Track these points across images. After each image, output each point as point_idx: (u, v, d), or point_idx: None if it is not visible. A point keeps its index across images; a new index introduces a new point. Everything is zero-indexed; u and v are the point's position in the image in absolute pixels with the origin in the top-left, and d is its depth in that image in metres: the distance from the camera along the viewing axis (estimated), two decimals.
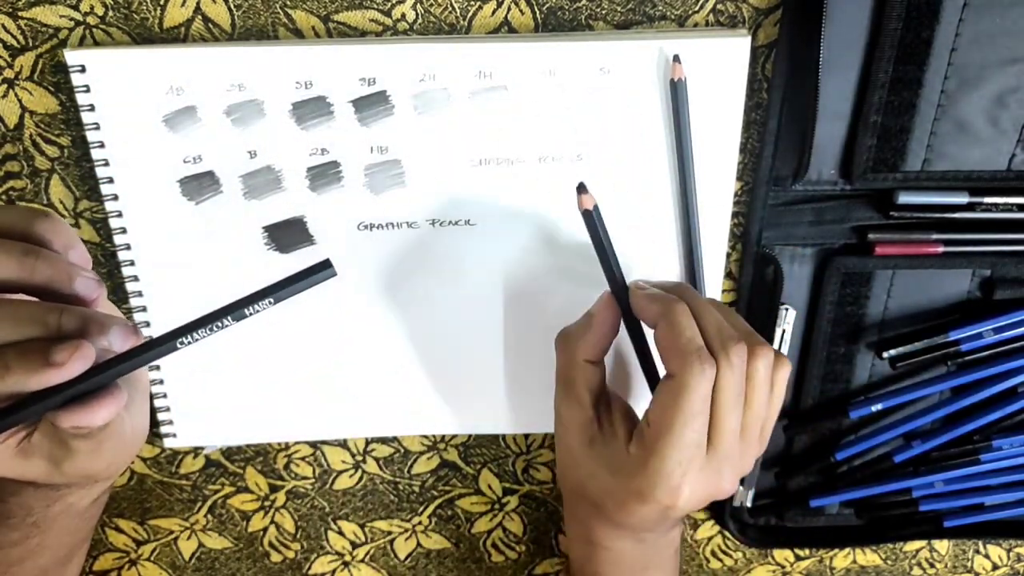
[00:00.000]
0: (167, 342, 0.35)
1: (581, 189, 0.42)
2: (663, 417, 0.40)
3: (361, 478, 0.57)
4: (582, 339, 0.45)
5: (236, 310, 0.35)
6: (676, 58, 0.44)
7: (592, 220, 0.42)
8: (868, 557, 0.61)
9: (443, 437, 0.56)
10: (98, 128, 0.44)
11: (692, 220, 0.47)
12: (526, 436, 0.56)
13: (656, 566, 0.48)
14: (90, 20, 0.43)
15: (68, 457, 0.38)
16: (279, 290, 0.35)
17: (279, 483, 0.57)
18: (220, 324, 0.35)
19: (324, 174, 0.46)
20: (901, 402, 0.53)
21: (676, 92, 0.45)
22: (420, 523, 0.59)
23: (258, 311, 0.35)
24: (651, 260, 0.49)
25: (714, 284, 0.50)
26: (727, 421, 0.41)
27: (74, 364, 0.33)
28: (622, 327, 0.45)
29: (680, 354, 0.40)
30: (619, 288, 0.44)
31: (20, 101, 0.45)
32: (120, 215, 0.46)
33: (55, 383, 0.33)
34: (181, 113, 0.44)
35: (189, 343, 0.35)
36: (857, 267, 0.50)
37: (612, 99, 0.45)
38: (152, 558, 0.59)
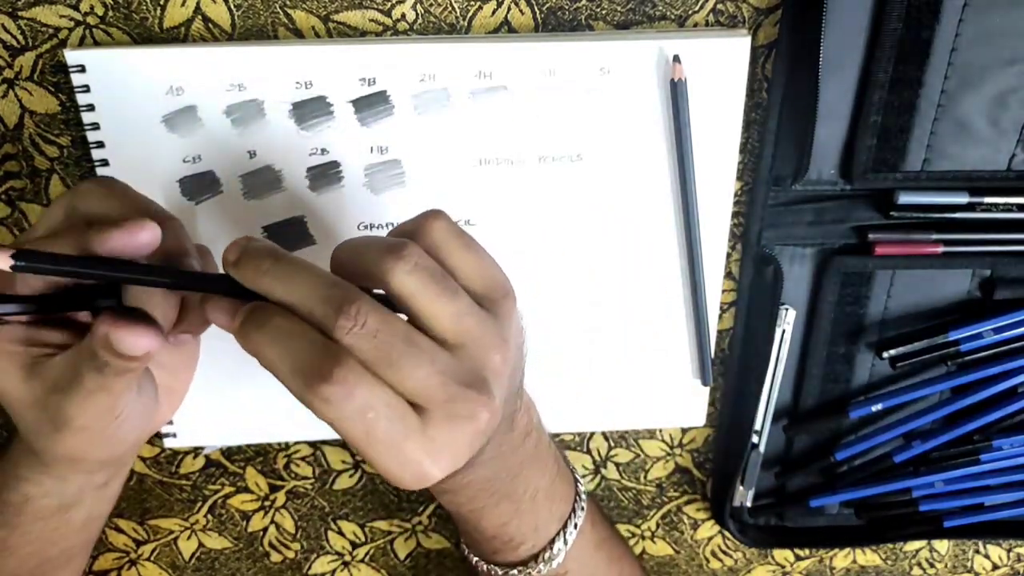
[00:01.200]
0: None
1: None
2: (350, 443, 0.34)
3: (361, 478, 0.57)
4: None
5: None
6: (676, 58, 0.44)
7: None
8: (868, 557, 0.61)
9: None
10: (98, 128, 0.44)
11: (692, 220, 0.47)
12: None
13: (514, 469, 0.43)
14: (90, 20, 0.43)
15: (64, 406, 0.35)
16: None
17: (279, 483, 0.57)
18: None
19: (324, 174, 0.46)
20: (901, 402, 0.53)
21: (676, 92, 0.44)
22: (420, 523, 0.59)
23: None
24: (651, 260, 0.49)
25: (714, 284, 0.50)
26: (408, 383, 0.33)
27: (142, 233, 0.33)
28: None
29: (295, 396, 0.33)
30: None
31: (20, 101, 0.45)
32: None
33: (118, 246, 0.33)
34: (181, 113, 0.44)
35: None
36: (857, 267, 0.49)
37: (612, 99, 0.45)
38: (152, 558, 0.59)
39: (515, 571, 0.46)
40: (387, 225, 0.48)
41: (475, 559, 0.49)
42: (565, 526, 0.46)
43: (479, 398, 0.34)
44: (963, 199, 0.48)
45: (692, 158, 0.46)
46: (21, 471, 0.41)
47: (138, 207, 0.36)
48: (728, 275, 0.51)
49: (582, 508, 0.47)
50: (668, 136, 0.46)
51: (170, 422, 0.52)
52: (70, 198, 0.37)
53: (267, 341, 0.33)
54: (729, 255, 0.50)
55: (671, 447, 0.57)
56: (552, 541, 0.46)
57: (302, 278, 0.33)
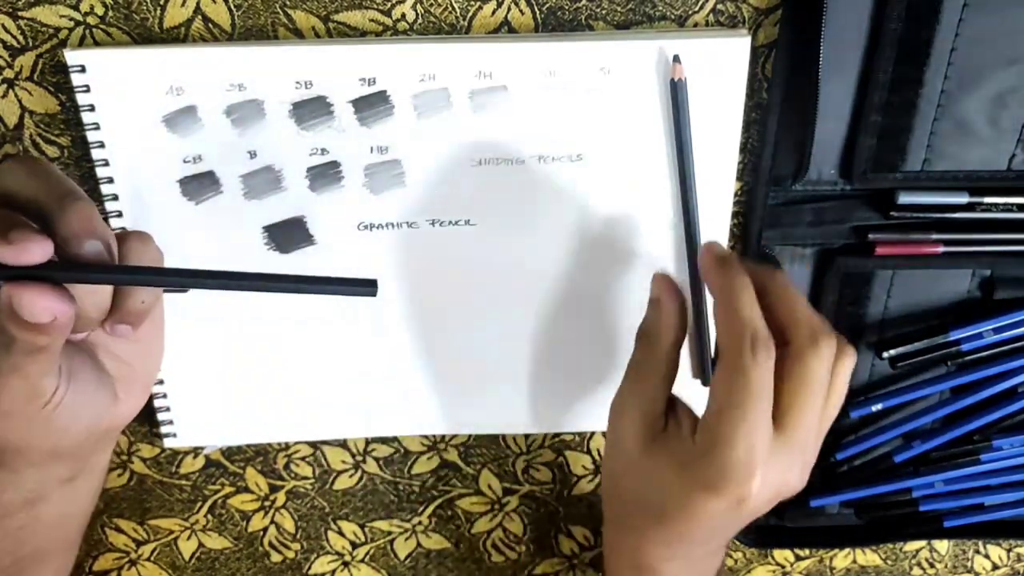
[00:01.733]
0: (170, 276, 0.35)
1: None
2: (728, 399, 0.38)
3: (361, 478, 0.57)
4: (653, 327, 0.43)
5: (251, 282, 0.35)
6: (676, 58, 0.44)
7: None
8: (868, 557, 0.61)
9: (443, 437, 0.55)
10: (98, 128, 0.44)
11: (692, 220, 0.47)
12: (526, 436, 0.56)
13: None
14: (90, 20, 0.43)
15: None
16: (316, 285, 0.35)
17: (279, 483, 0.56)
18: (232, 285, 0.35)
19: (324, 174, 0.46)
20: (901, 402, 0.53)
21: (676, 92, 0.44)
22: (420, 523, 0.59)
23: (283, 292, 0.35)
24: (651, 260, 0.49)
25: None
26: (806, 411, 0.39)
27: (22, 249, 0.32)
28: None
29: (733, 336, 0.38)
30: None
31: (20, 101, 0.45)
32: (120, 215, 0.46)
33: (8, 260, 0.32)
34: (181, 113, 0.44)
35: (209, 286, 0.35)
36: (857, 267, 0.49)
37: (612, 99, 0.45)
38: (152, 558, 0.59)
39: None
40: (387, 225, 0.48)
41: None
42: None
43: (804, 474, 0.41)
44: (963, 199, 0.48)
45: (692, 158, 0.46)
46: None
47: (54, 190, 0.35)
48: None
49: None
50: (668, 136, 0.46)
51: (170, 421, 0.52)
52: None
53: (743, 289, 0.40)
54: None
55: None
56: None
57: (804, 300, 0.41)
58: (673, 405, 0.43)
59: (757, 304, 0.39)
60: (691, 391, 0.52)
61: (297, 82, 0.44)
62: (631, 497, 0.44)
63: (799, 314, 0.40)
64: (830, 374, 0.39)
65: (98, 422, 0.41)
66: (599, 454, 0.57)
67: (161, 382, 0.51)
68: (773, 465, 0.39)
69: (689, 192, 0.47)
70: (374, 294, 0.34)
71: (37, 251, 0.32)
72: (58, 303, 0.33)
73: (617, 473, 0.45)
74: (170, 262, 0.46)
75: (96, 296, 0.37)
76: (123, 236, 0.39)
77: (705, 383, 0.52)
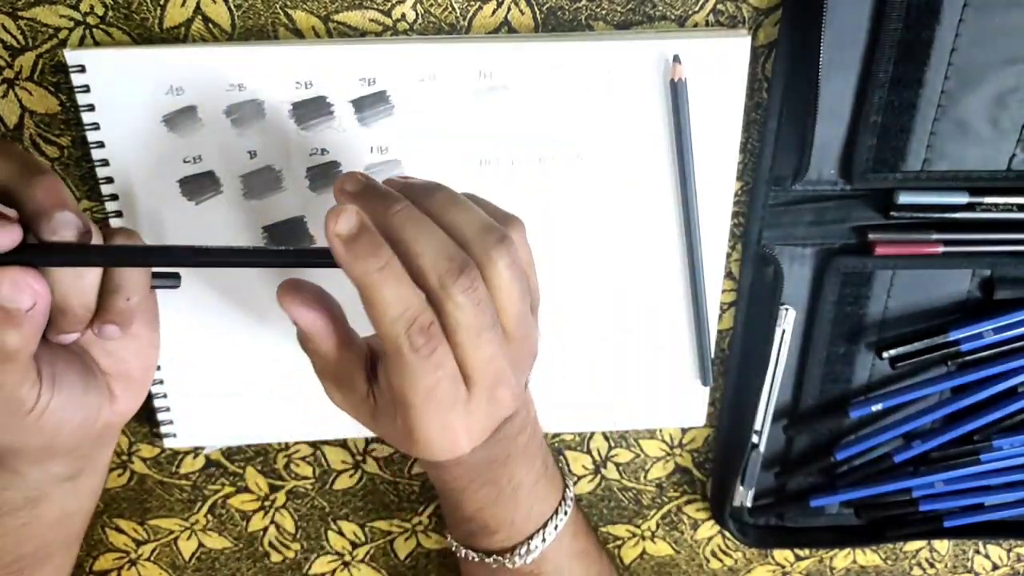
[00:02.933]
0: (144, 253, 0.35)
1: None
2: (404, 398, 0.36)
3: (361, 478, 0.57)
4: (314, 347, 0.39)
5: (236, 256, 0.35)
6: (676, 58, 0.44)
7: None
8: (868, 557, 0.61)
9: None
10: (98, 128, 0.44)
11: (692, 219, 0.47)
12: None
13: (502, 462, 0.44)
14: (90, 20, 0.43)
15: None
16: (284, 258, 0.35)
17: (279, 483, 0.56)
18: (203, 262, 0.35)
19: (324, 174, 0.46)
20: (901, 402, 0.53)
21: (676, 92, 0.44)
22: (420, 523, 0.59)
23: (252, 266, 0.35)
24: (651, 260, 0.49)
25: (714, 284, 0.50)
26: (476, 356, 0.35)
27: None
28: None
29: (386, 337, 0.34)
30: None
31: (20, 101, 0.45)
32: (120, 215, 0.46)
33: None
34: (181, 113, 0.44)
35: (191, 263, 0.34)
36: (857, 267, 0.49)
37: (612, 99, 0.45)
38: (152, 558, 0.58)
39: (489, 559, 0.47)
40: None
41: (451, 540, 0.49)
42: (545, 526, 0.47)
43: (516, 387, 0.38)
44: (963, 199, 0.48)
45: (692, 158, 0.46)
46: None
47: (18, 168, 0.35)
48: (728, 275, 0.51)
49: (565, 513, 0.48)
50: (668, 136, 0.46)
51: (170, 421, 0.52)
52: None
53: (384, 279, 0.33)
54: (729, 255, 0.50)
55: (671, 447, 0.57)
56: (530, 538, 0.46)
57: (432, 230, 0.34)
58: (375, 369, 0.39)
59: (402, 279, 0.34)
60: (691, 391, 0.52)
61: (297, 82, 0.44)
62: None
63: (465, 231, 0.35)
64: (517, 264, 0.36)
65: (93, 422, 0.41)
66: (599, 454, 0.57)
67: (161, 382, 0.51)
68: (473, 413, 0.37)
69: (689, 192, 0.47)
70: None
71: (4, 239, 0.32)
72: (36, 283, 0.33)
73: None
74: None
75: (82, 296, 0.36)
76: (110, 233, 0.39)
77: (705, 383, 0.52)
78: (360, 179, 0.36)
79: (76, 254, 0.34)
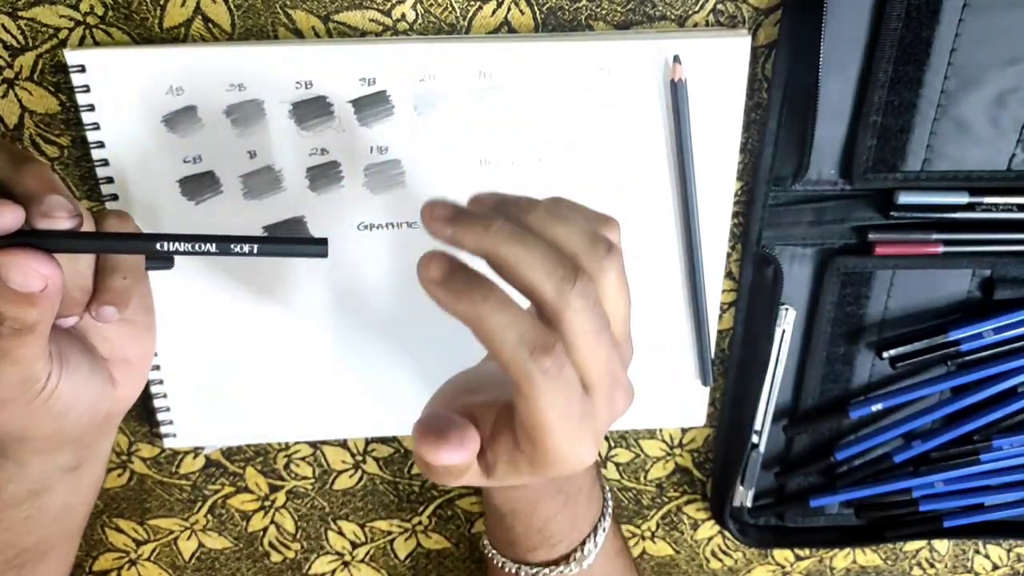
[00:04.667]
0: (121, 239, 0.35)
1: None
2: (535, 422, 0.33)
3: (361, 478, 0.57)
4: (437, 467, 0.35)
5: (221, 242, 0.34)
6: (676, 59, 0.44)
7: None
8: (868, 557, 0.61)
9: None
10: (98, 128, 0.44)
11: (692, 220, 0.47)
12: None
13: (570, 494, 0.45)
14: (90, 20, 0.43)
15: None
16: (267, 244, 0.35)
17: (279, 483, 0.56)
18: (197, 248, 0.34)
19: (324, 174, 0.46)
20: (901, 402, 0.53)
21: (676, 93, 0.44)
22: (420, 523, 0.59)
23: (239, 254, 0.35)
24: (651, 260, 0.49)
25: (714, 284, 0.50)
26: (596, 362, 0.33)
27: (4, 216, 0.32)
28: None
29: (511, 365, 0.31)
30: None
31: (20, 101, 0.45)
32: None
33: None
34: (181, 113, 0.44)
35: (172, 248, 0.34)
36: (857, 267, 0.49)
37: (612, 99, 0.45)
38: (152, 558, 0.58)
39: (547, 570, 0.47)
40: (387, 225, 0.47)
41: (503, 560, 0.49)
42: (595, 529, 0.47)
43: (629, 390, 0.36)
44: (963, 199, 0.48)
45: (692, 159, 0.46)
46: None
47: (6, 158, 0.35)
48: (728, 275, 0.51)
49: (609, 512, 0.48)
50: (668, 136, 0.46)
51: (170, 421, 0.52)
52: None
53: (491, 308, 0.31)
54: (729, 255, 0.50)
55: (671, 447, 0.57)
56: (584, 542, 0.47)
57: (536, 242, 0.32)
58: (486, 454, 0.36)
59: (507, 304, 0.32)
60: (691, 391, 0.53)
61: (297, 82, 0.44)
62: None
63: (571, 244, 0.34)
64: (624, 271, 0.34)
65: (97, 407, 0.41)
66: (599, 454, 0.56)
67: (161, 382, 0.51)
68: (596, 422, 0.34)
69: (689, 192, 0.47)
70: (324, 254, 0.34)
71: (9, 217, 0.32)
72: (47, 267, 0.33)
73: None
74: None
75: (79, 278, 0.36)
76: (102, 215, 0.39)
77: (705, 383, 0.52)
78: (448, 204, 0.33)
79: (71, 239, 0.34)
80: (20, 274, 0.33)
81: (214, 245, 0.34)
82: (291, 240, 0.35)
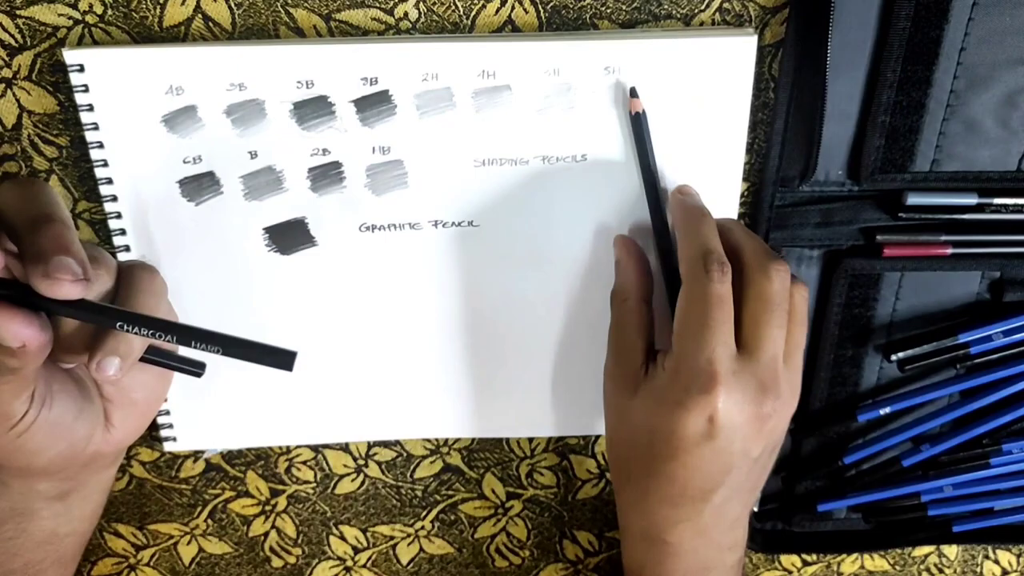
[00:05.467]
0: (108, 314, 0.35)
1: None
2: (687, 316, 0.41)
3: (363, 482, 0.56)
4: (620, 285, 0.46)
5: (183, 335, 0.35)
6: (633, 91, 0.44)
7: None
8: (876, 562, 0.61)
9: (446, 441, 0.55)
10: (97, 128, 0.44)
11: (668, 247, 0.47)
12: (530, 440, 0.55)
13: (717, 569, 0.46)
14: (89, 19, 0.43)
15: None
16: (234, 347, 0.36)
17: (280, 487, 0.56)
18: (171, 338, 0.35)
19: (326, 175, 0.46)
20: (910, 405, 0.52)
21: (637, 126, 0.45)
22: (423, 528, 0.58)
23: (203, 350, 0.36)
24: (657, 261, 0.48)
25: None
26: (765, 328, 0.41)
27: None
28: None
29: (689, 259, 0.41)
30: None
31: (18, 101, 0.45)
32: (119, 216, 0.46)
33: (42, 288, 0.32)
34: (181, 113, 0.44)
35: (131, 331, 0.35)
36: (865, 269, 0.49)
37: (617, 98, 0.45)
38: (151, 563, 0.58)
39: None
40: (389, 227, 0.47)
41: None
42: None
43: (785, 394, 0.43)
44: (972, 200, 0.47)
45: (660, 187, 0.46)
46: None
47: (33, 211, 0.35)
48: None
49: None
50: (675, 136, 0.46)
51: (170, 425, 0.52)
52: None
53: (701, 224, 0.43)
54: None
55: None
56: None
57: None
58: (654, 355, 0.44)
59: (716, 232, 0.42)
60: None
61: (298, 81, 0.44)
62: (628, 453, 0.45)
63: (752, 244, 0.43)
64: (786, 297, 0.42)
65: (81, 447, 0.40)
66: (604, 458, 0.56)
67: None
68: (738, 383, 0.40)
69: (664, 231, 0.47)
70: (290, 368, 0.36)
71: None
72: (27, 329, 0.33)
73: (615, 434, 0.46)
74: (170, 265, 0.47)
75: (81, 328, 0.36)
76: (131, 266, 0.39)
77: None
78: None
79: (51, 302, 0.34)
80: (3, 333, 0.32)
81: (175, 337, 0.35)
82: (259, 347, 0.36)
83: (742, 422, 0.40)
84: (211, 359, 0.49)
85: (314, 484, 0.56)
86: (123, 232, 0.46)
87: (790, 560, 0.61)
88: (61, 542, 0.44)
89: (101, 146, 0.44)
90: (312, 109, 0.44)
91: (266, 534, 0.58)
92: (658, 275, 0.47)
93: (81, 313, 0.35)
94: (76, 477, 0.43)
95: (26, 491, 0.41)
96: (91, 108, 0.43)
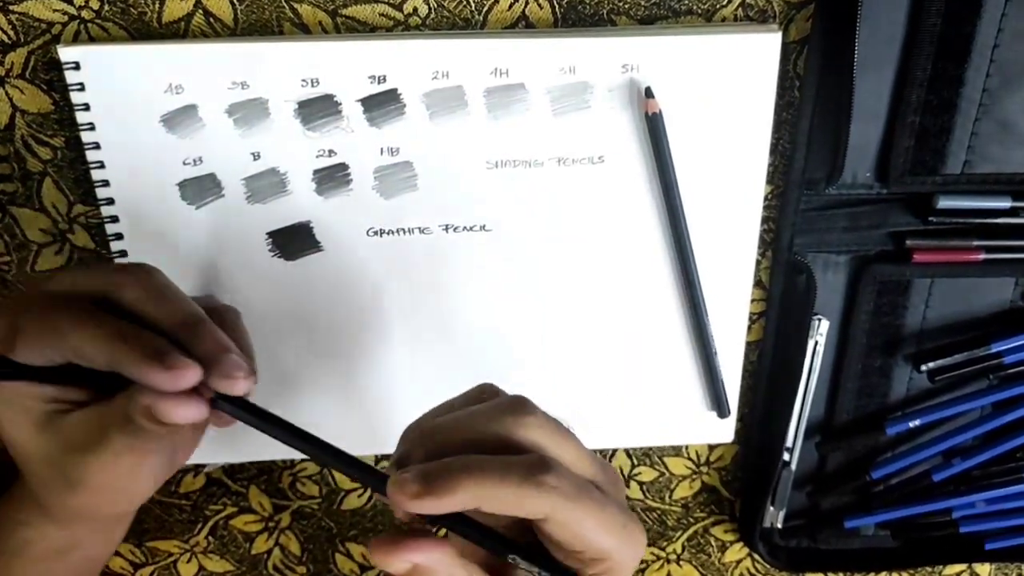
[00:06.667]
0: (268, 420, 0.36)
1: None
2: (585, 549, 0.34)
3: (370, 498, 0.56)
4: None
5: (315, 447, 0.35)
6: (648, 91, 0.44)
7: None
8: None
9: None
10: (93, 128, 0.44)
11: (687, 258, 0.47)
12: None
13: None
14: (85, 14, 0.43)
15: (83, 466, 0.36)
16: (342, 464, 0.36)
17: (284, 503, 0.56)
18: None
19: (331, 177, 0.45)
20: (940, 417, 0.52)
21: (653, 127, 0.44)
22: None
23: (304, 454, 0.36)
24: (677, 270, 0.48)
25: (743, 293, 0.49)
26: (586, 465, 0.35)
27: (179, 376, 0.34)
28: None
29: (525, 502, 0.32)
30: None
31: (11, 100, 0.44)
32: (116, 220, 0.46)
33: (157, 386, 0.34)
34: (181, 112, 0.44)
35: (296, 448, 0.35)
36: (894, 275, 0.49)
37: (635, 98, 0.44)
38: None
39: None
40: (398, 231, 0.47)
41: None
42: None
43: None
44: (1006, 203, 0.47)
45: (678, 190, 0.46)
46: (23, 516, 0.42)
47: (176, 313, 0.36)
48: (758, 284, 0.50)
49: None
50: (696, 136, 0.45)
51: None
52: (107, 278, 0.37)
53: (478, 477, 0.32)
54: (759, 263, 0.50)
55: (697, 465, 0.56)
56: None
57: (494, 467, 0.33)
58: None
59: (495, 462, 0.33)
60: (704, 421, 0.52)
61: (303, 80, 0.43)
62: None
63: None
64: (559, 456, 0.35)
65: (162, 479, 0.41)
66: (621, 472, 0.56)
67: None
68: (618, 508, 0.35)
69: (682, 236, 0.46)
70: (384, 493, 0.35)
71: (192, 377, 0.34)
72: (199, 410, 0.35)
73: None
74: (168, 271, 0.46)
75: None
76: (219, 309, 0.41)
77: (721, 415, 0.52)
78: (414, 475, 0.34)
79: (232, 405, 0.36)
80: (174, 415, 0.35)
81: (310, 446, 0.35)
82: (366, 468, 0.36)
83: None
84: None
85: (319, 499, 0.56)
86: (120, 236, 0.46)
87: None
88: (93, 564, 0.46)
89: (97, 147, 0.44)
90: (317, 109, 0.44)
91: (269, 551, 0.57)
92: None
93: (240, 413, 0.36)
94: (134, 510, 0.45)
95: (87, 531, 0.43)
96: (87, 107, 0.43)
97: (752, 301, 0.50)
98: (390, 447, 0.52)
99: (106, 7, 0.42)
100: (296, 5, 0.43)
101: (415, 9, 0.43)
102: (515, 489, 0.32)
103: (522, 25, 0.44)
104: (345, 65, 0.43)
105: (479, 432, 0.34)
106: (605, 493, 0.35)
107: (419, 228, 0.47)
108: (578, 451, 0.35)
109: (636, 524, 0.35)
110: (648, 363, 0.51)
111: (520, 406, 0.35)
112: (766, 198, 0.48)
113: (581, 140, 0.45)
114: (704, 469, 0.56)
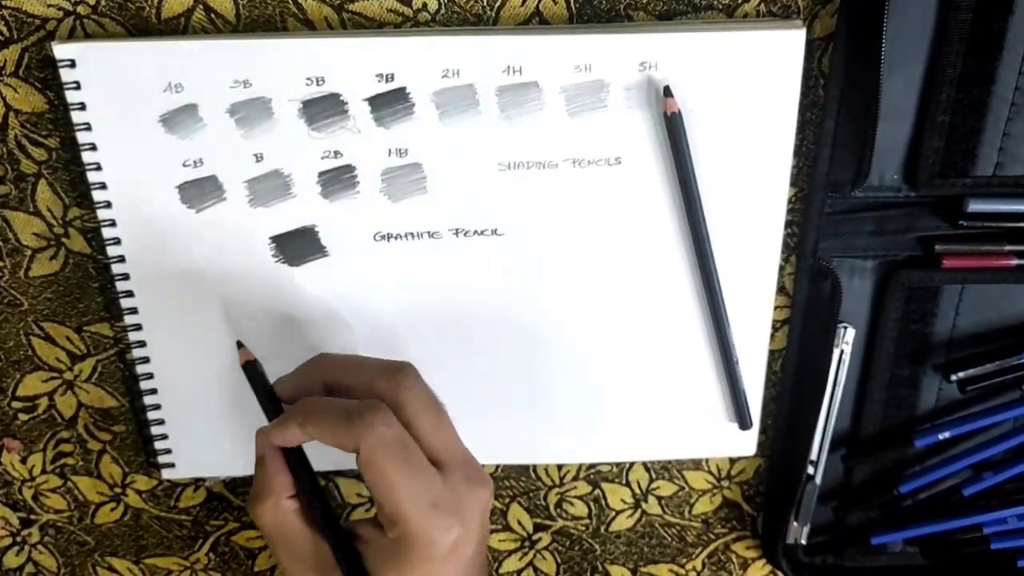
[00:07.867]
0: None
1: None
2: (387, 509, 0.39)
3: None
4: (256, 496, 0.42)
5: None
6: (667, 91, 0.43)
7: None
8: None
9: None
10: (89, 129, 0.43)
11: (709, 267, 0.46)
12: (559, 467, 0.55)
13: None
14: (81, 10, 0.42)
15: None
16: None
17: None
18: None
19: (337, 179, 0.45)
20: (971, 429, 0.51)
21: (672, 128, 0.44)
22: None
23: None
24: (696, 278, 0.48)
25: (766, 299, 0.48)
26: (438, 437, 0.41)
27: None
28: None
29: (349, 432, 0.38)
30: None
31: (4, 99, 0.44)
32: (113, 224, 0.46)
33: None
34: (180, 112, 0.43)
35: None
36: (923, 281, 0.48)
37: (653, 97, 0.44)
38: None
39: None
40: (406, 236, 0.46)
41: None
42: None
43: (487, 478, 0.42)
44: None
45: (700, 197, 0.45)
46: None
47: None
48: (781, 290, 0.50)
49: None
50: (718, 137, 0.45)
51: (168, 451, 0.51)
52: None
53: (316, 413, 0.39)
54: (782, 268, 0.49)
55: (718, 479, 0.56)
56: None
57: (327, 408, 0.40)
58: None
59: (331, 401, 0.40)
60: (725, 433, 0.52)
61: (308, 78, 0.43)
62: None
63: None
64: (425, 390, 0.42)
65: None
66: (639, 486, 0.55)
67: (158, 407, 0.50)
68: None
69: (703, 241, 0.46)
70: None
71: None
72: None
73: None
74: (168, 277, 0.47)
75: None
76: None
77: (743, 426, 0.51)
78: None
79: None
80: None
81: None
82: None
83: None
84: (213, 381, 0.49)
85: None
86: (117, 241, 0.46)
87: None
88: None
89: (94, 148, 0.44)
90: (323, 108, 0.44)
91: (272, 569, 0.57)
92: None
93: None
94: None
95: None
96: (83, 107, 0.43)
97: (775, 308, 0.49)
98: None
99: (103, 2, 0.42)
100: (301, 0, 0.42)
101: (424, 5, 0.43)
102: (337, 425, 0.38)
103: (536, 21, 0.43)
104: (352, 63, 0.43)
105: (357, 379, 0.41)
106: (447, 475, 0.39)
107: (428, 232, 0.46)
108: (438, 428, 0.40)
109: (455, 517, 0.38)
110: (667, 373, 0.50)
111: (400, 370, 0.41)
112: (790, 201, 0.47)
113: (597, 141, 0.45)
114: (725, 483, 0.56)
